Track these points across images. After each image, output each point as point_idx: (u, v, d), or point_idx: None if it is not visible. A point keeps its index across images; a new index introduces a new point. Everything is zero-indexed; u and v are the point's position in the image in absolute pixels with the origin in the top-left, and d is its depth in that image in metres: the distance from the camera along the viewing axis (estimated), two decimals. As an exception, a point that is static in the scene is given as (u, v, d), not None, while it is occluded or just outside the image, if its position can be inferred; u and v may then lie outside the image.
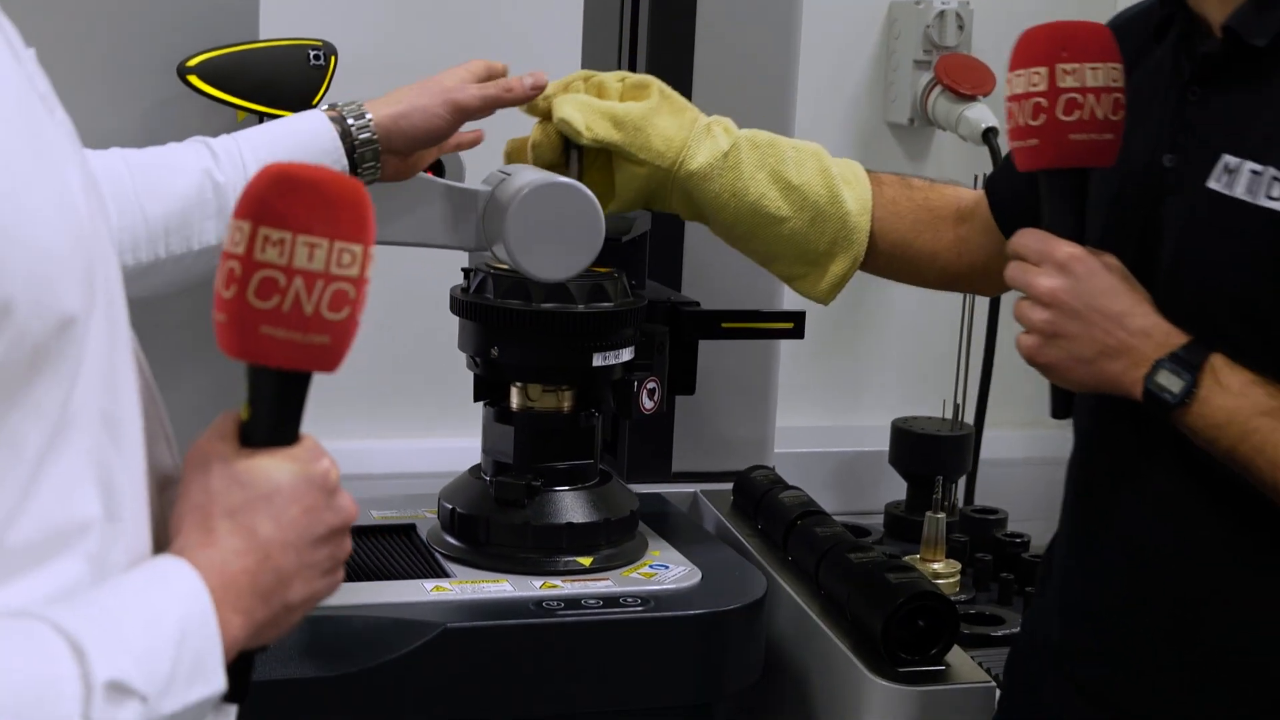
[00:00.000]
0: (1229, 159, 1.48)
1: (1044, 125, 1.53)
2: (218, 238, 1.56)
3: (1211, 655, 1.54)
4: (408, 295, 2.40)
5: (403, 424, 2.63)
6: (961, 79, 2.81)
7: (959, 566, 2.14)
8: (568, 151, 1.83)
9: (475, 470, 1.99)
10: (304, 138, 1.62)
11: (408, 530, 2.03)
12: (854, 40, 2.90)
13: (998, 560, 2.19)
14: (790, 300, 2.34)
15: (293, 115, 1.61)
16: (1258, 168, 1.46)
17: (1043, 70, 1.53)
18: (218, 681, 1.05)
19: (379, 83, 2.58)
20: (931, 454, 2.37)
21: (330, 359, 1.10)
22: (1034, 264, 1.55)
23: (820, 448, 2.66)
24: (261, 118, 1.70)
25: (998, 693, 1.81)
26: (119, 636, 1.00)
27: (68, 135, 1.09)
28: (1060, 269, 1.52)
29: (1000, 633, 1.98)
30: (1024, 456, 2.94)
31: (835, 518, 2.28)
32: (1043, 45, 1.54)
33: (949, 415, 2.52)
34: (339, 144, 1.59)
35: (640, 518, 2.06)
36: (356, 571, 1.90)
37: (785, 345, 2.50)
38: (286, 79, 1.65)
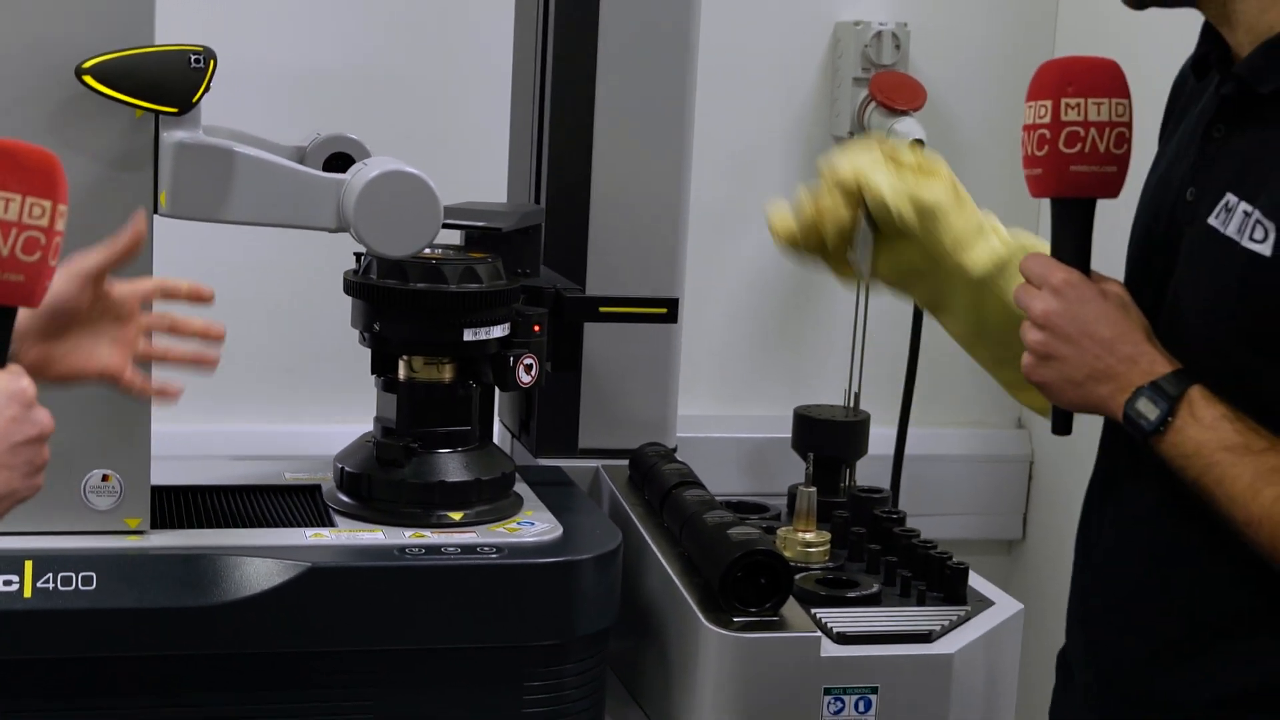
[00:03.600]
0: (1230, 197, 1.51)
1: (1047, 156, 1.60)
2: None
3: (1186, 653, 1.59)
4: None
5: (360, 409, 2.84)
6: (894, 95, 2.99)
7: (829, 536, 2.30)
8: (863, 220, 1.76)
9: (367, 435, 2.20)
10: None
11: (313, 490, 2.25)
12: (803, 57, 3.08)
13: (871, 534, 2.36)
14: (687, 290, 2.53)
15: None
16: (1249, 209, 1.49)
17: (1048, 103, 1.59)
18: None
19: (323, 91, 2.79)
20: (828, 438, 2.54)
21: (28, 295, 1.35)
22: (1035, 287, 1.61)
23: (727, 433, 2.85)
24: (157, 115, 1.92)
25: (822, 640, 1.99)
26: None
27: None
28: (1055, 293, 1.58)
29: (855, 594, 2.15)
30: (962, 453, 3.12)
31: (743, 498, 2.47)
32: (1051, 79, 1.60)
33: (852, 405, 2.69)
34: None
35: (532, 486, 2.26)
36: (255, 520, 2.12)
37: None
38: (170, 80, 1.86)
